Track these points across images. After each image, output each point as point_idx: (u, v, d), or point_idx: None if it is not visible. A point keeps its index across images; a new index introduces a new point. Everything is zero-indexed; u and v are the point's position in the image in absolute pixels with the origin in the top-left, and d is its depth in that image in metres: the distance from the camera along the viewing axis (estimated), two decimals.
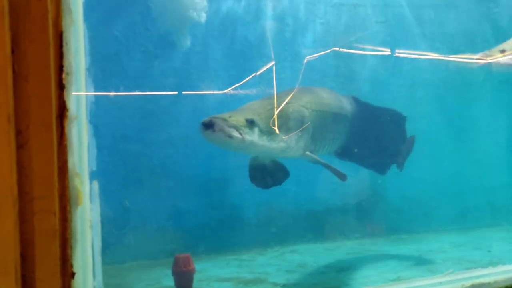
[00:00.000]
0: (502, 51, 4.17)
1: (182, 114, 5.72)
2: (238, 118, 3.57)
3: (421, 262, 4.96)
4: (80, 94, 1.40)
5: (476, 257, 4.92)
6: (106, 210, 5.38)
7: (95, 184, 1.54)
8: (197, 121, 6.08)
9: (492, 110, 6.99)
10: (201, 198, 5.75)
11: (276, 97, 4.26)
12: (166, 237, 5.49)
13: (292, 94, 4.26)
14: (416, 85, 6.89)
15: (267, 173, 4.66)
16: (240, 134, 3.49)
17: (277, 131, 3.83)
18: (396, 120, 4.98)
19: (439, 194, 6.57)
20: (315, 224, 6.19)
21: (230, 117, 3.53)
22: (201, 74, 5.81)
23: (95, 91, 1.73)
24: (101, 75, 5.38)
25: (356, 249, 5.82)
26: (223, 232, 5.78)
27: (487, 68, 6.21)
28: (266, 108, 3.92)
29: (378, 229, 6.28)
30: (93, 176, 1.52)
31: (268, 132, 3.73)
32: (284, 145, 3.95)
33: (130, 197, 5.47)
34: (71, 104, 1.30)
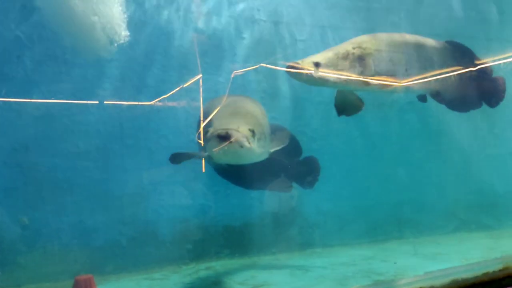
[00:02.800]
0: (317, 64, 4.49)
1: (93, 124, 5.37)
2: (244, 129, 3.81)
3: (334, 275, 5.07)
4: None
5: (383, 269, 5.13)
6: (1, 228, 4.87)
7: None
8: (110, 132, 5.85)
9: (401, 130, 7.44)
10: (112, 213, 5.42)
11: (208, 105, 4.65)
12: (70, 256, 5.07)
13: (223, 100, 4.50)
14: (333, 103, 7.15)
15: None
16: (249, 143, 3.78)
17: (267, 139, 4.33)
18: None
19: (352, 208, 6.82)
20: (232, 240, 6.11)
21: (239, 127, 3.76)
22: (114, 83, 5.52)
23: None
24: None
25: (272, 264, 5.82)
26: (134, 249, 5.48)
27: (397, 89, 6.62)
28: (252, 117, 4.24)
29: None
30: None
31: (261, 140, 4.10)
32: (265, 150, 4.34)
33: (30, 214, 4.99)
34: None
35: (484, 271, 3.01)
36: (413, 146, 7.28)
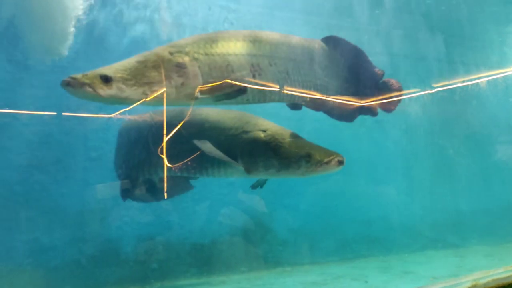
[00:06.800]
0: (106, 79, 3.32)
1: (54, 134, 5.06)
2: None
3: None
4: None
5: None
6: None
7: None
8: (73, 144, 5.54)
9: (370, 148, 7.52)
10: (71, 231, 5.07)
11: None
12: (23, 277, 4.66)
13: None
14: (304, 119, 7.13)
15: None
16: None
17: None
18: None
19: (322, 226, 6.77)
20: (200, 258, 5.87)
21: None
22: None
23: None
24: None
25: (242, 283, 5.61)
26: (95, 269, 5.14)
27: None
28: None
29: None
30: None
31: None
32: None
33: None
34: None
35: None
36: (381, 165, 7.36)
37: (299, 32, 6.89)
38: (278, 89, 4.11)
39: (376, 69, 4.71)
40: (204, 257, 5.90)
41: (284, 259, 6.35)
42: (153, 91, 3.44)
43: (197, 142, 3.93)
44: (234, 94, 3.77)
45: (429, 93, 7.52)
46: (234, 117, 4.28)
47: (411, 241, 7.28)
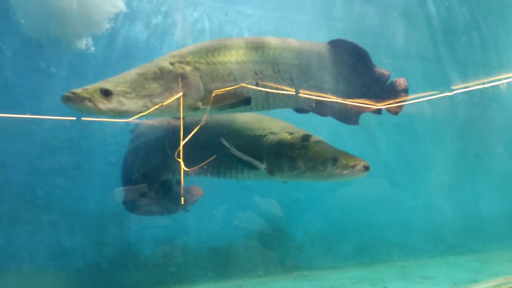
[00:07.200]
0: (106, 92, 3.29)
1: (75, 140, 5.17)
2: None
3: None
4: None
5: None
6: None
7: None
8: (93, 149, 5.65)
9: (387, 150, 7.45)
10: (92, 234, 5.16)
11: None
12: (46, 279, 4.77)
13: None
14: (319, 124, 7.12)
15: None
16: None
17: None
18: None
19: (339, 230, 6.72)
20: (217, 262, 5.90)
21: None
22: None
23: None
24: None
25: None
26: (114, 272, 5.22)
27: (384, 111, 6.63)
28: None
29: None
30: None
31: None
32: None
33: (4, 234, 4.71)
34: None
35: None
36: (399, 169, 7.28)
37: (316, 36, 6.91)
38: (294, 93, 4.13)
39: (383, 70, 4.62)
40: (221, 261, 5.92)
41: (301, 264, 6.33)
42: (154, 103, 3.38)
43: (223, 141, 3.99)
44: (238, 104, 3.71)
45: (448, 96, 7.43)
46: (261, 119, 4.35)
47: (431, 246, 7.17)
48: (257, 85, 3.80)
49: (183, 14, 6.27)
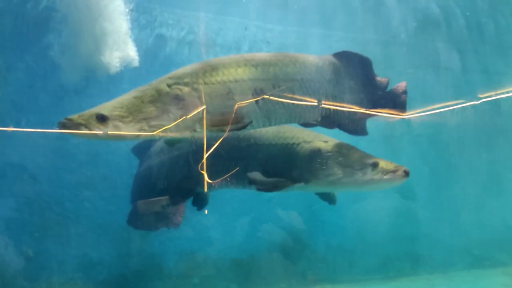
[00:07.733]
0: (101, 118, 3.24)
1: (102, 154, 5.34)
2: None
3: None
4: None
5: None
6: (4, 260, 4.75)
7: None
8: (118, 162, 5.81)
9: (411, 162, 7.35)
10: (117, 246, 5.29)
11: None
12: None
13: None
14: (341, 134, 7.11)
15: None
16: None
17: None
18: None
19: (362, 243, 6.65)
20: (240, 274, 5.93)
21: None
22: None
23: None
24: (11, 108, 4.95)
25: None
26: (140, 283, 5.32)
27: (406, 122, 6.57)
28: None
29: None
30: None
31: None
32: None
33: (34, 246, 4.89)
34: None
35: None
36: (424, 180, 7.17)
37: (335, 48, 6.93)
38: (316, 104, 4.16)
39: (382, 78, 4.59)
40: (244, 273, 5.95)
41: (324, 277, 6.28)
42: (150, 126, 3.35)
43: (250, 175, 4.12)
44: (236, 129, 3.66)
45: (473, 106, 7.30)
46: (293, 129, 4.41)
47: (457, 259, 6.99)
48: (257, 102, 3.75)
49: (203, 29, 6.42)
